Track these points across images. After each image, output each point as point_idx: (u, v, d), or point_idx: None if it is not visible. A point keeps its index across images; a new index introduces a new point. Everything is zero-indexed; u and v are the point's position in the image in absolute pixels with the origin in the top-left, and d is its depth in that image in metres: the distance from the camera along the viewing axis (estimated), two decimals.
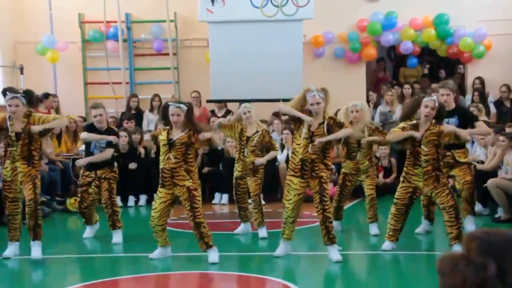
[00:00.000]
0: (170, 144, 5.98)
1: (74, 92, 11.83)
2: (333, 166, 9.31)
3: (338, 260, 6.02)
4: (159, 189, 6.12)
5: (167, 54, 11.70)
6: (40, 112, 10.46)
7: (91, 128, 7.09)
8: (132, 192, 9.65)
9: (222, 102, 11.03)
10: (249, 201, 7.36)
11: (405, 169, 6.23)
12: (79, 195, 7.17)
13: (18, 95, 6.21)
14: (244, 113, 7.12)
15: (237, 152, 7.24)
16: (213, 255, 6.06)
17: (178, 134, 6.01)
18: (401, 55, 12.27)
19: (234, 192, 7.30)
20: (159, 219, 6.09)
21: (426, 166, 6.06)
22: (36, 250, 6.32)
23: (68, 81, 11.96)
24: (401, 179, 6.30)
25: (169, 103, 6.15)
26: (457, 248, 5.97)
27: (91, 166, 7.02)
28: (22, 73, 11.67)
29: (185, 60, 11.98)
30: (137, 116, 10.91)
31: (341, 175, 7.30)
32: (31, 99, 6.33)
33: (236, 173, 7.23)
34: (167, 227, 6.31)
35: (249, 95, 10.03)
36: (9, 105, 6.18)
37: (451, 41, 11.50)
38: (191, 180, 6.03)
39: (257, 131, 7.13)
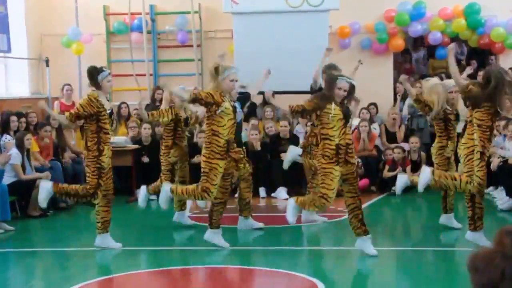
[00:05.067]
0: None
1: None
2: (359, 160, 9.13)
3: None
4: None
5: (191, 46, 11.64)
6: (64, 104, 10.51)
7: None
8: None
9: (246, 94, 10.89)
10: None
11: (482, 143, 5.84)
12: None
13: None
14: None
15: None
16: None
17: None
18: (429, 46, 12.00)
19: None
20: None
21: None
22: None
23: None
24: (478, 156, 5.89)
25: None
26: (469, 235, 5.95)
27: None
28: (48, 65, 11.75)
29: (209, 51, 11.88)
30: None
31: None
32: (93, 76, 6.26)
33: None
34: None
35: (274, 87, 9.90)
36: (108, 81, 6.23)
37: (482, 31, 11.20)
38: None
39: None
